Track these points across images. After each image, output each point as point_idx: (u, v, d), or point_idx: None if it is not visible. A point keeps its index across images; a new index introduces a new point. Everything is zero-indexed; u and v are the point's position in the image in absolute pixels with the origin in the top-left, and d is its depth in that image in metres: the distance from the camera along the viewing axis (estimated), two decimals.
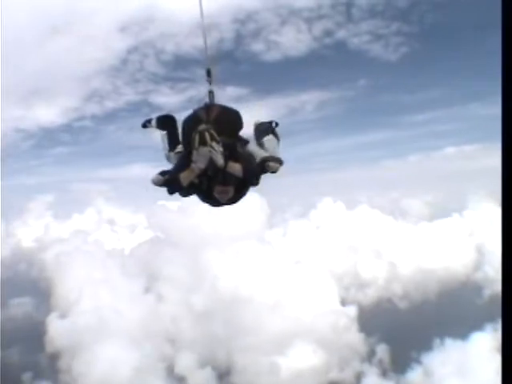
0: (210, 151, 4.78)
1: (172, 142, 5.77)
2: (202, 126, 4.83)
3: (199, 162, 4.92)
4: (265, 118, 6.18)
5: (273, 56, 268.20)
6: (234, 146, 5.27)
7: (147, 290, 66.61)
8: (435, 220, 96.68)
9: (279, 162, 5.33)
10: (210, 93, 5.83)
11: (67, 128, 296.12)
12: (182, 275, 65.07)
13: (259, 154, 5.45)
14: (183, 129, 5.43)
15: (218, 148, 4.81)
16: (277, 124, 6.07)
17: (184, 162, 5.17)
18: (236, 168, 5.12)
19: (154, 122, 5.78)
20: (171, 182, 5.22)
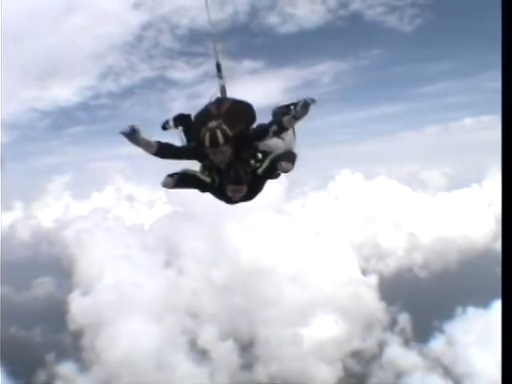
0: (219, 151, 4.88)
1: (189, 139, 5.71)
2: (213, 123, 4.92)
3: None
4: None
5: (288, 28, 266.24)
6: (247, 141, 5.19)
7: (168, 264, 66.90)
8: (454, 191, 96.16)
9: (292, 160, 5.22)
10: (222, 87, 5.91)
11: (84, 106, 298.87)
12: (202, 248, 65.19)
13: (274, 146, 5.33)
14: (195, 122, 5.46)
15: (228, 148, 4.88)
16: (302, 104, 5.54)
17: (188, 153, 5.31)
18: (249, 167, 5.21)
19: (171, 123, 5.73)
20: (181, 186, 5.32)
